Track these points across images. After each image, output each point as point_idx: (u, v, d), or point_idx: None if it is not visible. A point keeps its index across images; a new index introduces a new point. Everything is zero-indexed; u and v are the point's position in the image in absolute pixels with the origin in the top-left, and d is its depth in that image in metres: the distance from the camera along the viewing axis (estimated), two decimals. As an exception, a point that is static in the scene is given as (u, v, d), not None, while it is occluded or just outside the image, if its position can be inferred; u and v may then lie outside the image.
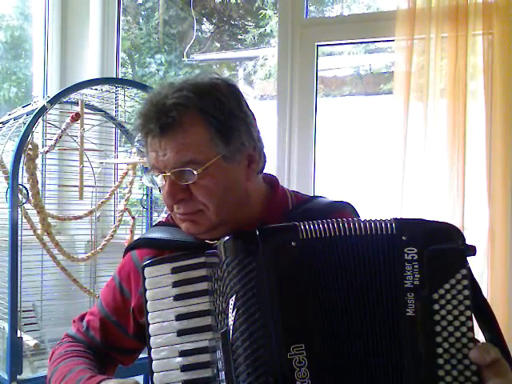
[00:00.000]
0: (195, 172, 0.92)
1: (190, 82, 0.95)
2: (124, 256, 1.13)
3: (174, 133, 0.92)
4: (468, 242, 0.87)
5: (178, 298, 0.92)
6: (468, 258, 0.85)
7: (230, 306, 0.83)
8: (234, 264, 0.85)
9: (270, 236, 0.87)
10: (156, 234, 1.08)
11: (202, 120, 0.93)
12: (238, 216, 0.99)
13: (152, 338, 0.92)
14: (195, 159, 0.92)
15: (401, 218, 0.90)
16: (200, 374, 0.88)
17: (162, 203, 2.69)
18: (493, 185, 2.00)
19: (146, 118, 0.94)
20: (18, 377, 1.90)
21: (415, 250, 0.85)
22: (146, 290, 0.94)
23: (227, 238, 0.87)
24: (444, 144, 2.05)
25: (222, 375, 0.85)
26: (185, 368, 0.89)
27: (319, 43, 2.43)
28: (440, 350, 0.82)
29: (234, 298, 0.83)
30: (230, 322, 0.83)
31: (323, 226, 0.87)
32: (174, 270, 0.93)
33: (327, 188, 2.60)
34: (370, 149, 2.80)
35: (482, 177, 2.03)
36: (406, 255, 0.85)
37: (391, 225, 0.87)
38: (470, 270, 0.85)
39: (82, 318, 1.16)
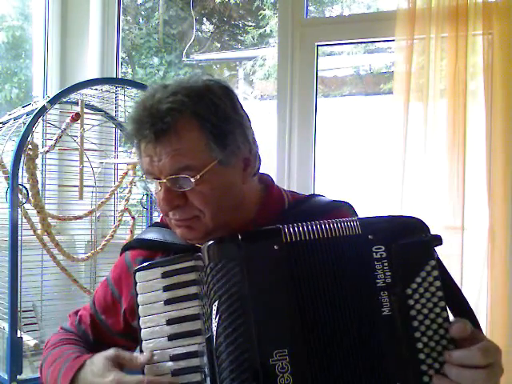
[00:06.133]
0: (192, 179, 0.90)
1: (183, 85, 0.92)
2: (120, 256, 1.13)
3: (168, 138, 0.89)
4: (433, 232, 0.87)
5: (168, 302, 0.91)
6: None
7: (214, 312, 0.82)
8: (217, 269, 0.83)
9: (252, 240, 0.86)
10: (150, 235, 1.07)
11: (197, 125, 0.90)
12: (234, 220, 0.96)
13: (144, 343, 0.91)
14: (191, 165, 0.90)
15: (364, 217, 0.89)
16: (190, 378, 0.87)
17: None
18: (493, 185, 2.00)
19: (140, 124, 0.91)
20: (18, 377, 1.90)
21: (383, 248, 0.84)
22: (137, 294, 0.93)
23: (210, 242, 0.86)
24: (444, 144, 2.05)
25: (208, 381, 0.84)
26: (175, 373, 0.88)
27: (319, 43, 2.43)
28: (420, 345, 0.81)
29: (216, 303, 0.82)
30: (214, 328, 0.82)
31: (307, 228, 0.86)
32: (165, 275, 0.92)
33: (327, 188, 2.60)
34: (370, 149, 2.80)
35: (482, 177, 2.02)
36: (374, 254, 0.84)
37: (356, 224, 0.86)
38: (438, 259, 0.85)
39: (76, 312, 1.17)
